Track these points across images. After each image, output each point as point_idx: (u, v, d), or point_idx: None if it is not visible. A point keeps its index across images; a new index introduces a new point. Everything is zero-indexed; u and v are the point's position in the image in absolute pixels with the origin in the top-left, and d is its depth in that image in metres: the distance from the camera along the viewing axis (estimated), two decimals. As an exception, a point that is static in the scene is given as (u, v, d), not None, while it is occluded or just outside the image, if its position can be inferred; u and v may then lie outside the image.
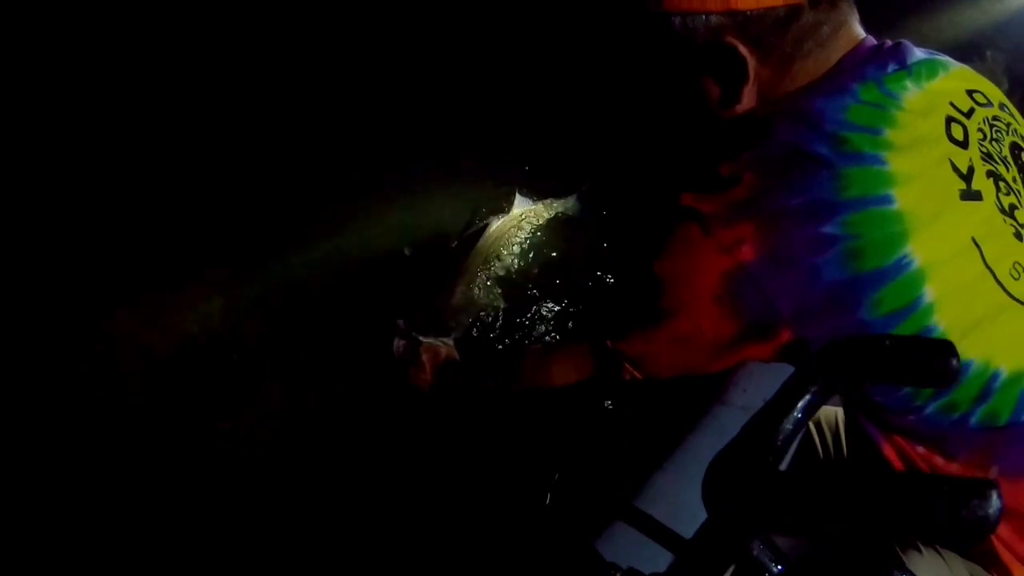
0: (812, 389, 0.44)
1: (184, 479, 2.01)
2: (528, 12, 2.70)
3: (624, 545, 0.72)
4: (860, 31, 1.14)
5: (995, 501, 0.38)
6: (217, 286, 2.32)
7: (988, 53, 3.21)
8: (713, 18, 1.06)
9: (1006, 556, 1.07)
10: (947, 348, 0.41)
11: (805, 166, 0.98)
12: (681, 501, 0.79)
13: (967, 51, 3.20)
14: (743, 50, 1.07)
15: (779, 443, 0.44)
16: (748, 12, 1.04)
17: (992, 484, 0.39)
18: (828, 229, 0.95)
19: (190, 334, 2.25)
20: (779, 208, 0.98)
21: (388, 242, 2.46)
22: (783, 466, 0.87)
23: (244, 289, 2.33)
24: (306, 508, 1.88)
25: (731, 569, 0.63)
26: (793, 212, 0.97)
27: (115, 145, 2.42)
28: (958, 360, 0.42)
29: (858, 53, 1.10)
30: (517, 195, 2.41)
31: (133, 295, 2.24)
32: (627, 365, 1.19)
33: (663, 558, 0.69)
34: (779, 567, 0.48)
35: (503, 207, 2.41)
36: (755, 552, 0.48)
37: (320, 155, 2.59)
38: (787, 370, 0.97)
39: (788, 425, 0.44)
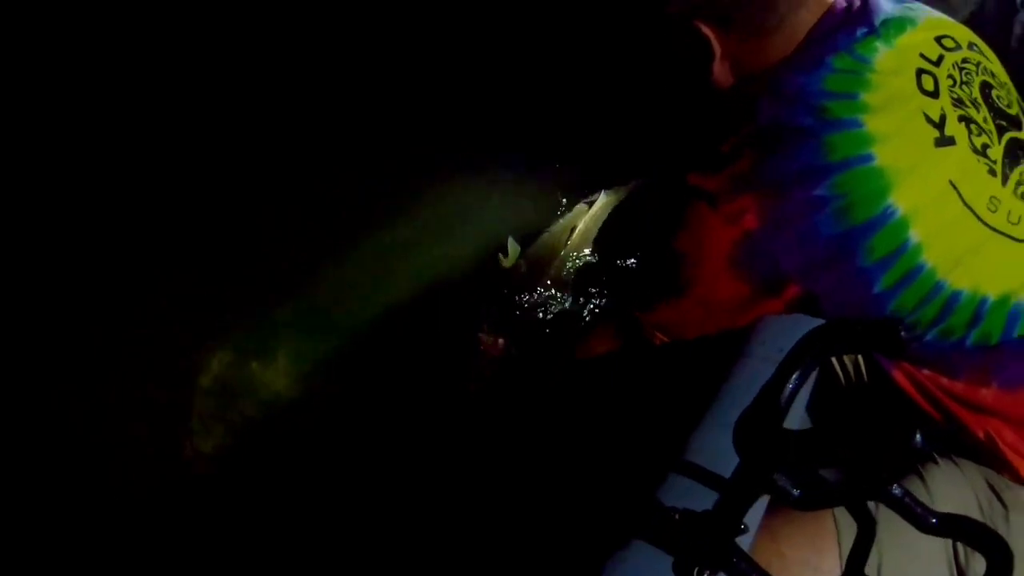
0: (801, 365, 0.65)
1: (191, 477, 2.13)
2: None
3: (679, 492, 0.91)
4: None
5: (918, 437, 0.56)
6: (270, 286, 2.43)
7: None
8: (680, 4, 1.25)
9: (1013, 458, 1.27)
10: (895, 326, 0.60)
11: (792, 138, 1.15)
12: (718, 448, 0.97)
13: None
14: (705, 28, 1.25)
15: (783, 405, 0.64)
16: None
17: (917, 425, 0.57)
18: (819, 191, 1.13)
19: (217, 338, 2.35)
20: (774, 178, 1.15)
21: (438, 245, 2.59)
22: (805, 403, 1.08)
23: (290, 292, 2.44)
24: (341, 504, 2.03)
25: (766, 499, 0.83)
26: (787, 180, 1.14)
27: (134, 162, 2.49)
28: (906, 333, 0.61)
29: (827, 21, 1.26)
30: (602, 193, 2.55)
31: (152, 295, 2.34)
32: (657, 333, 1.39)
33: (711, 497, 0.89)
34: (798, 492, 0.68)
35: (588, 202, 2.55)
36: (779, 483, 0.68)
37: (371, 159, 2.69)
38: (800, 321, 1.17)
39: (788, 392, 0.65)
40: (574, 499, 1.55)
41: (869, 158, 1.13)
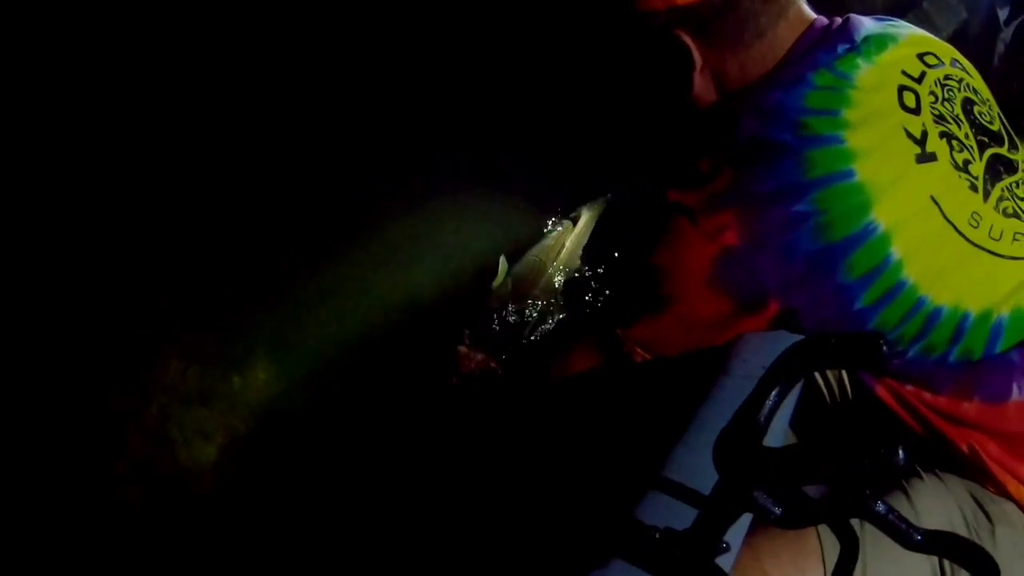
0: (780, 382, 0.63)
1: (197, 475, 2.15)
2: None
3: (659, 510, 0.90)
4: (807, 13, 1.30)
5: (901, 453, 0.55)
6: (265, 304, 2.42)
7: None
8: (662, 15, 1.25)
9: (998, 471, 1.26)
10: (875, 340, 0.59)
11: (772, 154, 1.14)
12: (699, 466, 0.96)
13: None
14: (686, 37, 1.26)
15: (762, 422, 0.63)
16: (687, 6, 1.22)
17: (900, 441, 0.56)
18: (799, 208, 1.12)
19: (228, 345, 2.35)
20: (754, 194, 1.15)
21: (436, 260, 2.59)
22: (788, 419, 1.07)
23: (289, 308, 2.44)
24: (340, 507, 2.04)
25: (749, 518, 0.82)
26: (767, 196, 1.14)
27: (133, 163, 2.48)
28: (887, 348, 0.60)
29: (807, 38, 1.26)
30: (583, 209, 2.60)
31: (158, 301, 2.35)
32: (637, 349, 1.38)
33: (691, 515, 0.88)
34: (779, 510, 0.67)
35: (572, 219, 2.60)
36: (760, 501, 0.67)
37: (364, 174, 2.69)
38: (781, 337, 1.16)
39: (767, 409, 0.63)
40: (553, 515, 1.54)
41: (850, 174, 1.13)
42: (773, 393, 0.63)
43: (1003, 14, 3.26)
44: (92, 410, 2.17)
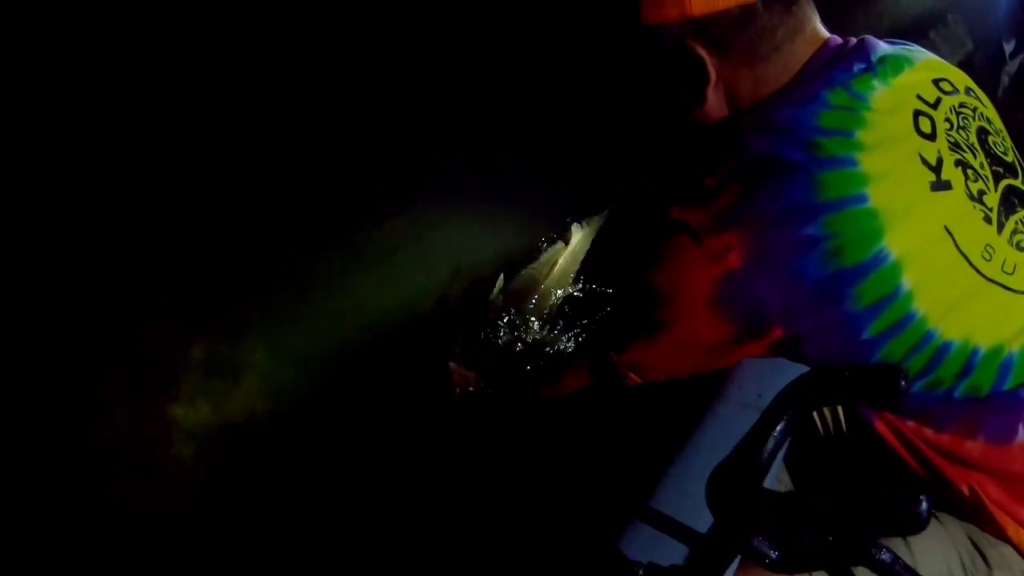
0: (787, 416, 0.57)
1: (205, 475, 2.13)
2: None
3: (643, 543, 0.85)
4: (822, 31, 1.25)
5: (924, 505, 0.50)
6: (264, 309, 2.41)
7: (949, 17, 3.33)
8: (675, 27, 1.20)
9: (998, 514, 1.20)
10: (895, 373, 0.54)
11: (782, 173, 1.09)
12: (690, 498, 0.91)
13: (929, 18, 3.32)
14: (700, 50, 1.20)
15: (763, 461, 0.57)
16: (702, 17, 1.17)
17: (924, 494, 0.51)
18: (809, 231, 1.06)
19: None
20: (761, 215, 1.09)
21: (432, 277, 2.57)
22: (781, 452, 1.01)
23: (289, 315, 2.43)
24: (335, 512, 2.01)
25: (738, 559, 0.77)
26: (775, 217, 1.08)
27: (133, 164, 2.46)
28: (906, 381, 0.55)
29: (822, 56, 1.21)
30: (573, 227, 2.59)
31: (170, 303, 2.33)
32: (630, 372, 1.32)
33: (679, 551, 0.82)
34: (776, 554, 0.61)
35: (564, 239, 2.58)
36: (755, 544, 0.61)
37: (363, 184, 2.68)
38: (780, 364, 1.11)
39: (770, 446, 0.57)
40: (534, 542, 1.48)
41: (863, 198, 1.07)
42: (778, 428, 0.57)
43: (1008, 47, 3.24)
44: (91, 409, 2.16)
